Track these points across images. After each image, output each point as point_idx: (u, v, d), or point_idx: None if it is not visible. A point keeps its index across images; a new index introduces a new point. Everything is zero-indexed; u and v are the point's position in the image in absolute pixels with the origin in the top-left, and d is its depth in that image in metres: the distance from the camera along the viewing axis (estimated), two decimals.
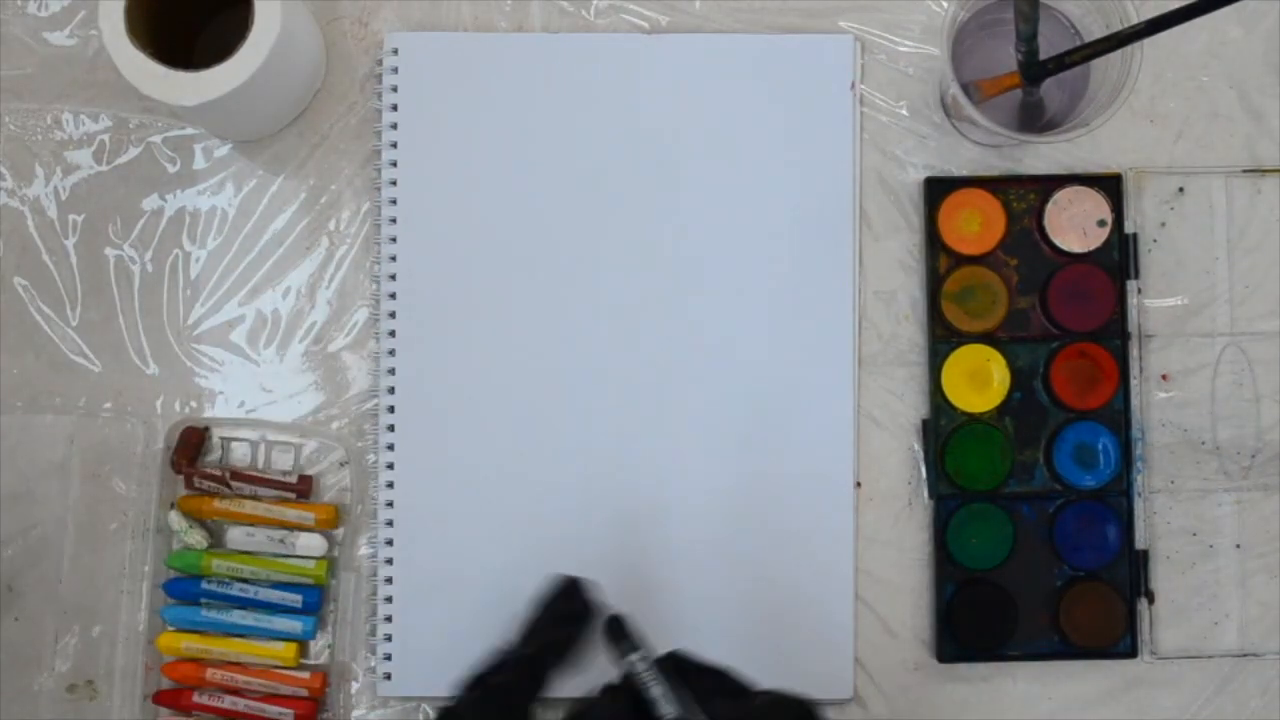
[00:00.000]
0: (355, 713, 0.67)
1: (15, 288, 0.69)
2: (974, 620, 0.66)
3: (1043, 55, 0.61)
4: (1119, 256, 0.68)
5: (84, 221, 0.69)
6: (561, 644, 0.58)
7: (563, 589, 0.59)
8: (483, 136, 0.68)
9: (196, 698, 0.66)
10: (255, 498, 0.67)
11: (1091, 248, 0.67)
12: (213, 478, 0.66)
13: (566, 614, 0.59)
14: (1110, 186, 0.68)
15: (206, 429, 0.68)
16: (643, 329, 0.67)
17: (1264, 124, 0.69)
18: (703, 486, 0.67)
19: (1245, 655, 0.67)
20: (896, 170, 0.69)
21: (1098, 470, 0.67)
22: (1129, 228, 0.68)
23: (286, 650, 0.66)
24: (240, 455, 0.68)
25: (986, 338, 0.67)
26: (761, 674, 0.56)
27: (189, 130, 0.70)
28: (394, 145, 0.68)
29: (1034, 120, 0.66)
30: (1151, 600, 0.67)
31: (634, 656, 0.55)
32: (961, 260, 0.68)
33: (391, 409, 0.67)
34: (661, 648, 0.60)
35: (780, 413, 0.66)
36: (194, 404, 0.69)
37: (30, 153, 0.69)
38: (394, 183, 0.68)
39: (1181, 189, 0.69)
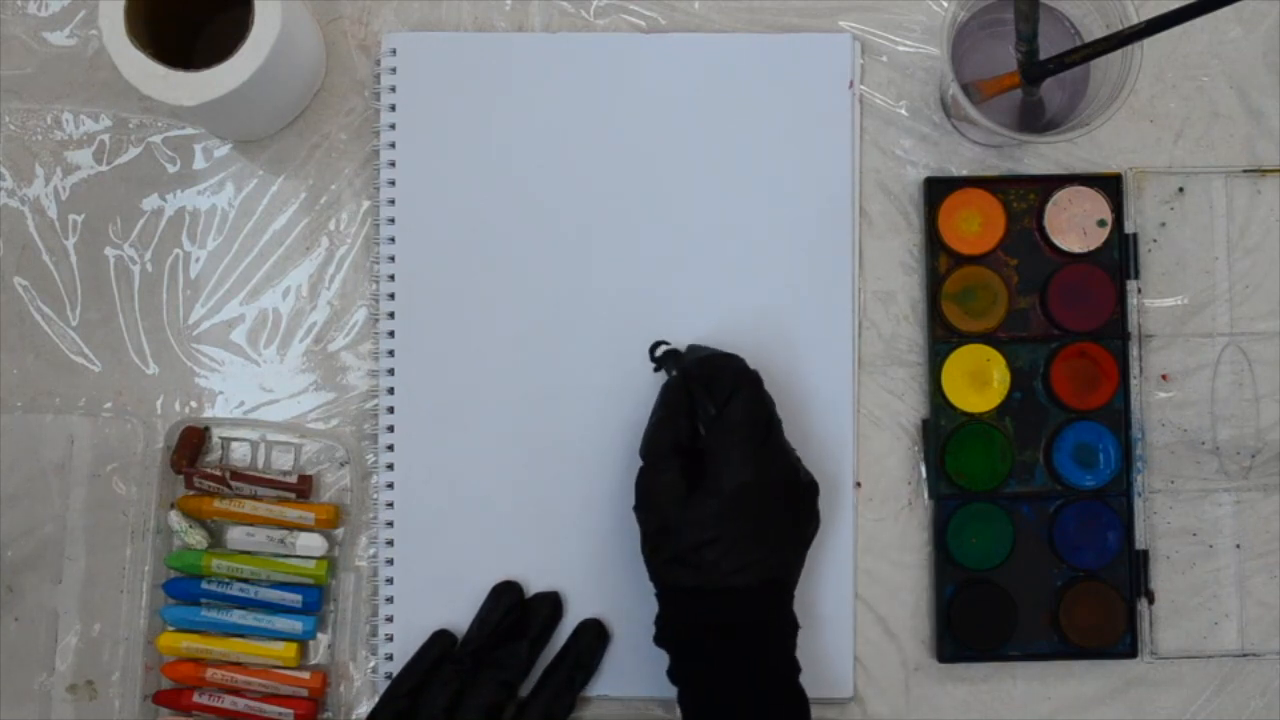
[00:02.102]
0: (355, 712, 0.67)
1: (15, 288, 0.69)
2: (974, 620, 0.66)
3: (1043, 55, 0.61)
4: (1119, 256, 0.68)
5: (84, 221, 0.69)
6: (494, 647, 0.65)
7: (491, 595, 0.66)
8: (482, 136, 0.68)
9: (196, 698, 0.66)
10: (255, 498, 0.67)
11: (1091, 248, 0.67)
12: (213, 478, 0.66)
13: (498, 618, 0.65)
14: (1110, 186, 0.68)
15: (206, 429, 0.68)
16: (643, 327, 0.67)
17: (1264, 124, 0.69)
18: None
19: (1245, 655, 0.67)
20: (896, 170, 0.69)
21: (1098, 470, 0.67)
22: (1129, 228, 0.68)
23: (286, 650, 0.66)
24: (240, 455, 0.68)
25: (986, 338, 0.67)
26: None
27: (189, 130, 0.70)
28: (393, 145, 0.68)
29: (1034, 120, 0.66)
30: (1151, 600, 0.67)
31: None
32: (961, 260, 0.68)
33: (391, 409, 0.67)
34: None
35: (780, 412, 0.66)
36: (194, 404, 0.69)
37: (30, 153, 0.69)
38: (393, 183, 0.68)
39: (1181, 189, 0.69)
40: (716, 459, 0.59)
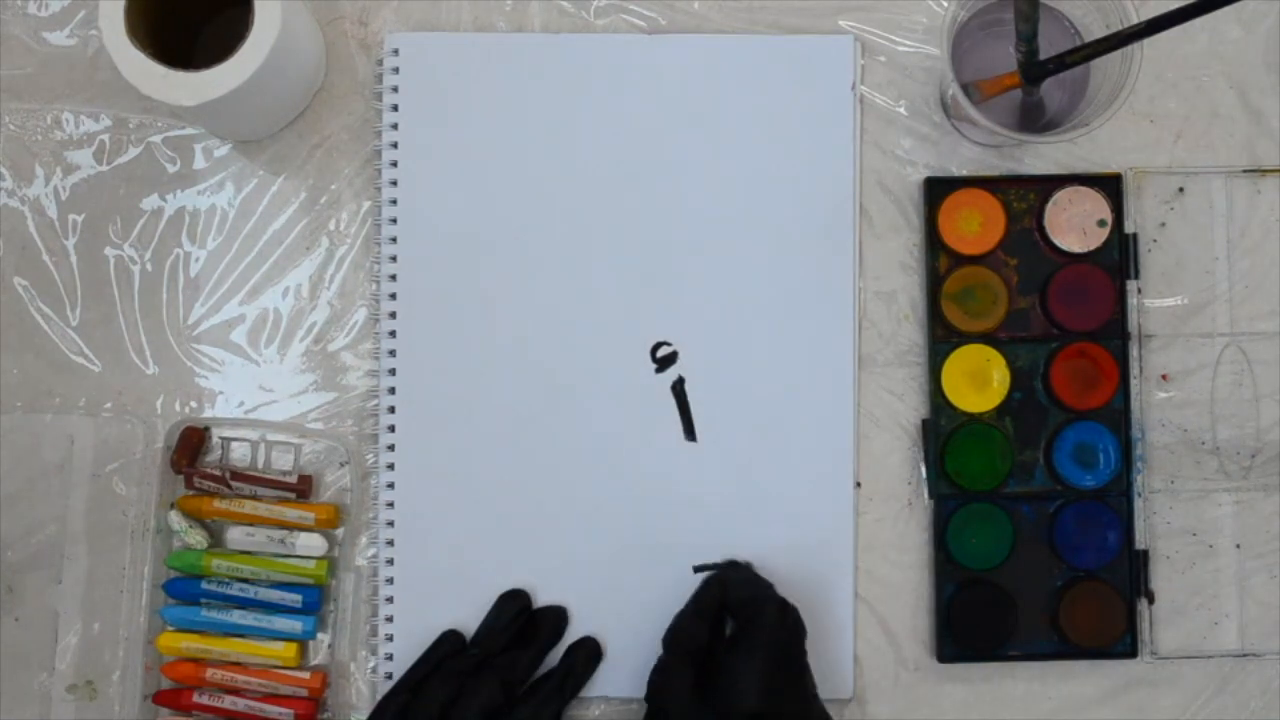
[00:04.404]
0: (355, 713, 0.67)
1: (15, 288, 0.69)
2: (974, 620, 0.66)
3: (1043, 55, 0.61)
4: (1119, 256, 0.68)
5: (84, 221, 0.69)
6: (499, 652, 0.65)
7: (499, 600, 0.66)
8: (483, 137, 0.68)
9: (196, 698, 0.66)
10: (255, 498, 0.67)
11: (1091, 248, 0.67)
12: (213, 478, 0.66)
13: (505, 624, 0.65)
14: (1110, 186, 0.68)
15: (206, 429, 0.68)
16: (643, 328, 0.67)
17: (1264, 124, 0.69)
18: (703, 487, 0.67)
19: (1245, 655, 0.67)
20: (896, 170, 0.69)
21: (1098, 470, 0.67)
22: (1129, 228, 0.68)
23: (286, 650, 0.66)
24: (240, 455, 0.68)
25: (986, 338, 0.67)
26: None
27: (189, 130, 0.70)
28: (394, 145, 0.68)
29: (1034, 120, 0.66)
30: (1151, 600, 0.67)
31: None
32: (961, 260, 0.68)
33: (391, 409, 0.67)
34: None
35: (780, 412, 0.66)
36: (194, 404, 0.69)
37: (30, 153, 0.69)
38: (394, 183, 0.68)
39: (1181, 189, 0.69)
40: (729, 677, 0.59)
